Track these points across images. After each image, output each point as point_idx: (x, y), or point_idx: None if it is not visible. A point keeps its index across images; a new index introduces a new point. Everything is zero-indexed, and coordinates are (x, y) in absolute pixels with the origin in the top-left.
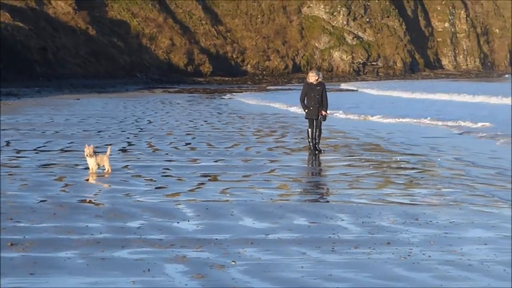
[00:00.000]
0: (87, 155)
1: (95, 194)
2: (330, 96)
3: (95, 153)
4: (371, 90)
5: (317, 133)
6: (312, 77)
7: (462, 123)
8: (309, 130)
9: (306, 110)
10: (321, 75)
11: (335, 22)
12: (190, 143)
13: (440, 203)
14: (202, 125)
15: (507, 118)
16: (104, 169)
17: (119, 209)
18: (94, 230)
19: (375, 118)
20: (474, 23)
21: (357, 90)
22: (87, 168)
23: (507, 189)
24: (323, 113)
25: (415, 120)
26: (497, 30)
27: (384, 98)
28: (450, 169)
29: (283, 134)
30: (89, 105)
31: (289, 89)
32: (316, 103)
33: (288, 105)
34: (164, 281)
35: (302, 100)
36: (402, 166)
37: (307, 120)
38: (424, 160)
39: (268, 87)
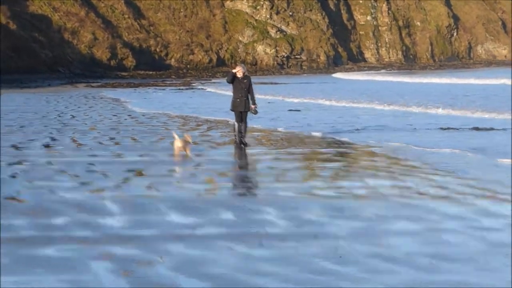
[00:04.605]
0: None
1: (19, 191)
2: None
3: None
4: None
5: (243, 127)
6: (240, 72)
7: None
8: (236, 124)
9: (232, 102)
10: (245, 69)
11: (258, 16)
12: (114, 138)
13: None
14: (126, 119)
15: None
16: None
17: (44, 205)
18: (18, 228)
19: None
20: (396, 16)
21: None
22: (12, 164)
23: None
24: (252, 107)
25: None
26: (418, 23)
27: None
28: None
29: (209, 128)
30: (9, 100)
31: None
32: (243, 95)
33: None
34: (90, 278)
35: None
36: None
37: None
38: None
39: (192, 82)
